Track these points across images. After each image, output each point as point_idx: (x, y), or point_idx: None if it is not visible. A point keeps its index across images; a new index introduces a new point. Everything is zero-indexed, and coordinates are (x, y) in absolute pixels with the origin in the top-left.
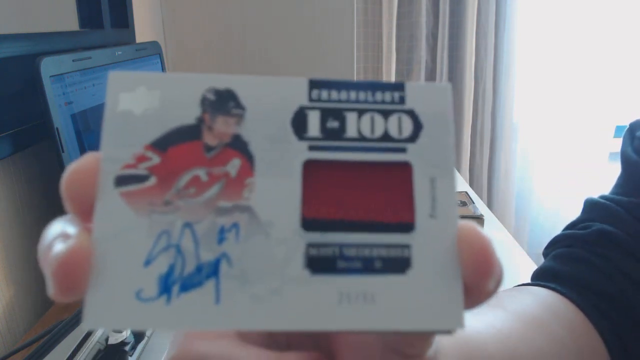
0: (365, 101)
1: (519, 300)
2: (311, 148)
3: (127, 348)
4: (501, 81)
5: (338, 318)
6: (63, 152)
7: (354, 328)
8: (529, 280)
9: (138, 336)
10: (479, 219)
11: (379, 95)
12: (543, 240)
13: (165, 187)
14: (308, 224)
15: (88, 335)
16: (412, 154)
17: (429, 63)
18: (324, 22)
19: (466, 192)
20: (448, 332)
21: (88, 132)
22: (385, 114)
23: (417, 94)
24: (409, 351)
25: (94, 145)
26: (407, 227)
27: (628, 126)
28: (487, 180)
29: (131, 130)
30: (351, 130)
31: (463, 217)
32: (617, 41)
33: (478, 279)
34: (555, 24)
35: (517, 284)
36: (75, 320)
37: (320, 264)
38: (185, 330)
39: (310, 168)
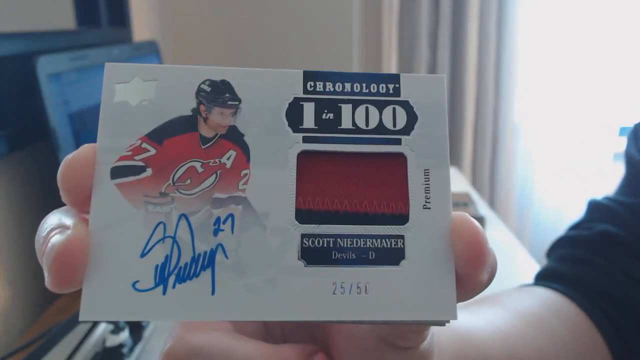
0: (360, 93)
1: (520, 299)
2: (306, 139)
3: (124, 350)
4: (503, 81)
5: (332, 308)
6: (60, 152)
7: (348, 318)
8: (531, 281)
9: (135, 339)
10: (481, 220)
11: (374, 87)
12: (546, 241)
13: (161, 178)
14: (302, 215)
15: (85, 337)
16: (407, 146)
17: (430, 61)
18: (324, 21)
19: (468, 193)
20: (441, 323)
21: (85, 132)
22: (380, 105)
23: (412, 86)
24: (402, 344)
25: None
26: (401, 218)
27: (633, 127)
28: (489, 180)
29: (127, 122)
30: (346, 122)
31: None
32: (621, 41)
33: (471, 270)
34: (558, 23)
35: (519, 285)
36: (72, 322)
37: (314, 255)
38: (181, 321)
39: (305, 159)
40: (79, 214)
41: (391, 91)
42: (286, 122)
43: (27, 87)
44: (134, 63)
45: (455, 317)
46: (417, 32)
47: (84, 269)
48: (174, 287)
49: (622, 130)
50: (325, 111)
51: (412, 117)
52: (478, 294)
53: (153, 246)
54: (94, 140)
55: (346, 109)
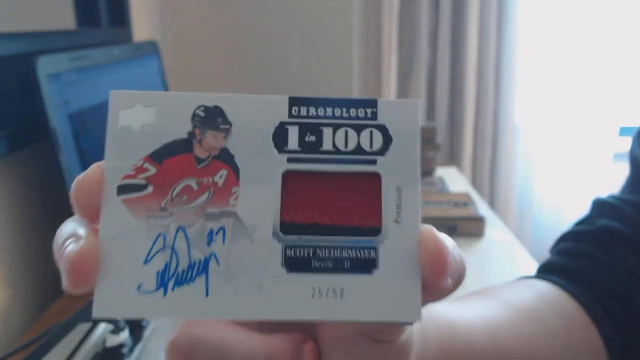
0: (341, 117)
1: (515, 292)
2: (290, 160)
3: (124, 350)
4: (503, 81)
5: (311, 309)
6: (60, 152)
7: (325, 318)
8: (532, 274)
9: (135, 339)
10: (480, 220)
11: (353, 112)
12: (546, 241)
13: (161, 195)
14: (286, 228)
15: (85, 337)
16: (382, 166)
17: (430, 61)
18: (324, 21)
19: (467, 193)
20: (407, 323)
21: (85, 132)
22: (358, 128)
23: (388, 110)
24: (381, 337)
25: (92, 145)
26: (374, 231)
27: (638, 127)
28: (489, 180)
29: (130, 144)
30: (327, 144)
31: (465, 218)
32: (621, 41)
33: (434, 278)
34: (558, 23)
35: (519, 277)
36: (72, 322)
37: (296, 263)
38: (179, 319)
39: (289, 178)
40: (90, 225)
41: (369, 115)
42: (272, 144)
43: (27, 87)
44: (136, 90)
45: (420, 319)
46: (417, 32)
47: (96, 273)
48: (173, 289)
49: (622, 130)
50: (308, 134)
51: (387, 139)
52: (444, 297)
53: (154, 255)
54: (94, 140)
55: (327, 132)
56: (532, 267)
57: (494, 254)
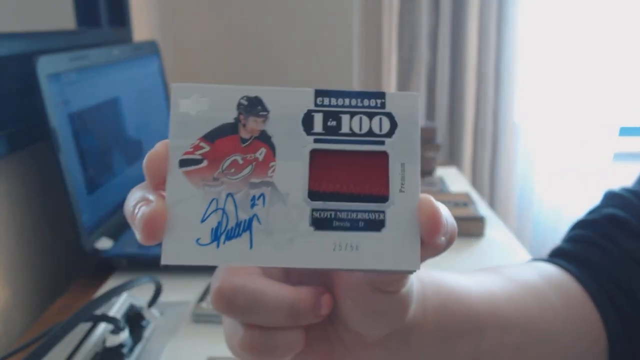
0: (356, 106)
1: (518, 269)
2: (316, 140)
3: (124, 350)
4: (503, 80)
5: (333, 260)
6: (60, 152)
7: (343, 267)
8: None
9: (135, 339)
10: (480, 219)
11: (365, 102)
12: (545, 241)
13: (214, 167)
14: (313, 195)
15: (85, 337)
16: (389, 146)
17: (430, 62)
18: (324, 21)
19: (467, 193)
20: (409, 271)
21: (85, 132)
22: (370, 115)
23: (394, 101)
24: (386, 288)
25: (91, 145)
26: (383, 198)
27: None
28: (489, 180)
29: (189, 127)
30: (345, 128)
31: (465, 218)
32: (620, 41)
33: (431, 236)
34: (558, 23)
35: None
36: (72, 322)
37: (321, 222)
38: (224, 268)
39: (315, 155)
40: (157, 191)
41: (378, 105)
42: (302, 128)
43: (27, 87)
44: (193, 83)
45: (419, 268)
46: (417, 32)
47: (163, 229)
48: (224, 242)
49: (622, 131)
50: (330, 119)
51: (393, 125)
52: (439, 253)
53: (209, 215)
54: (93, 140)
55: (345, 118)
56: None
57: (493, 254)
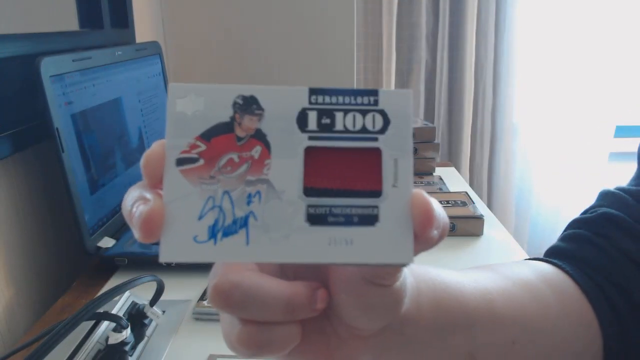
0: (349, 103)
1: (512, 266)
2: (310, 138)
3: (127, 348)
4: (501, 81)
5: (328, 254)
6: (63, 152)
7: (339, 261)
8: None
9: (138, 337)
10: (479, 219)
11: (359, 99)
12: (543, 240)
13: (210, 166)
14: (308, 191)
15: (88, 335)
16: (382, 142)
17: (429, 63)
18: (324, 22)
19: (466, 192)
20: (403, 264)
21: (88, 132)
22: (363, 112)
23: (387, 98)
24: (379, 282)
25: (94, 145)
26: (376, 193)
27: None
28: (487, 180)
29: (185, 126)
30: (339, 125)
31: (464, 217)
32: (617, 41)
33: (423, 229)
34: (556, 24)
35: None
36: (75, 320)
37: (316, 218)
38: (222, 264)
39: (309, 152)
40: (155, 190)
41: (371, 102)
42: (296, 125)
43: (30, 87)
44: (189, 83)
45: (412, 261)
46: (416, 34)
47: (161, 227)
48: (221, 239)
49: (618, 131)
50: (324, 117)
51: (386, 121)
52: (432, 246)
53: (206, 212)
54: (96, 140)
55: (339, 116)
56: None
57: (492, 253)
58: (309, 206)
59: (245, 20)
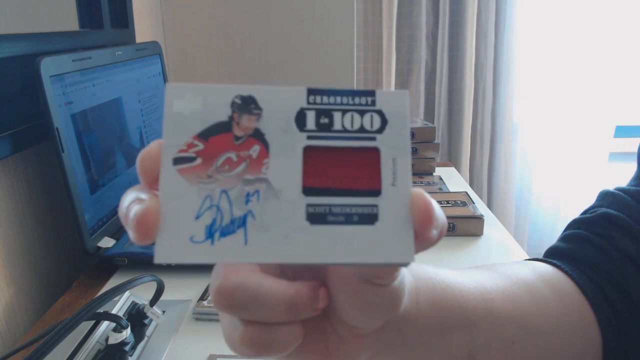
0: (347, 104)
1: (511, 266)
2: (309, 137)
3: (127, 348)
4: (501, 81)
5: (328, 254)
6: (63, 152)
7: (338, 261)
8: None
9: (138, 337)
10: (479, 219)
11: (357, 99)
12: (543, 240)
13: (208, 165)
14: (307, 190)
15: (88, 335)
16: (380, 142)
17: (429, 63)
18: (324, 22)
19: (466, 192)
20: (403, 264)
21: (88, 132)
22: (361, 112)
23: (384, 98)
24: (378, 281)
25: (94, 145)
26: (375, 192)
27: None
28: (487, 180)
29: (183, 126)
30: (337, 125)
31: (464, 217)
32: (617, 41)
33: (423, 228)
34: (555, 24)
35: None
36: (75, 320)
37: (316, 217)
38: (223, 265)
39: (308, 151)
40: (151, 190)
41: (369, 102)
42: (295, 125)
43: (30, 87)
44: (187, 83)
45: (413, 260)
46: (416, 34)
47: (157, 228)
48: (219, 239)
49: (618, 131)
50: (323, 117)
51: (384, 121)
52: (431, 245)
53: (204, 212)
54: (96, 140)
55: (337, 115)
56: None
57: (491, 253)
58: (309, 205)
59: (245, 20)
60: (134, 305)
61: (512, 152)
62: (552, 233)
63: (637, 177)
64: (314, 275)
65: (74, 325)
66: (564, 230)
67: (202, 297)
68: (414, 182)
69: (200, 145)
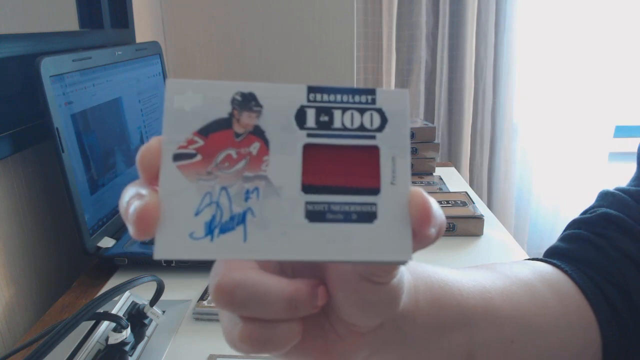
0: (347, 102)
1: (510, 266)
2: (309, 135)
3: (127, 348)
4: (501, 81)
5: (326, 251)
6: (63, 152)
7: (337, 258)
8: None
9: (138, 337)
10: (479, 219)
11: (357, 98)
12: (543, 240)
13: (208, 161)
14: (306, 188)
15: (88, 335)
16: (380, 140)
17: (429, 63)
18: (324, 22)
19: (466, 192)
20: (401, 262)
21: (88, 132)
22: (361, 111)
23: (384, 97)
24: (376, 279)
25: (94, 145)
26: (374, 190)
27: None
28: (487, 180)
29: (183, 122)
30: (337, 123)
31: (464, 217)
32: (616, 41)
33: (421, 227)
34: (555, 24)
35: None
36: (75, 320)
37: (314, 215)
38: (222, 263)
39: (308, 149)
40: (151, 186)
41: (369, 101)
42: (295, 123)
43: (30, 87)
44: (187, 79)
45: (411, 259)
46: (416, 34)
47: (156, 224)
48: (218, 236)
49: (618, 131)
50: (323, 115)
51: (384, 120)
52: (430, 244)
53: (203, 209)
54: (96, 140)
55: (337, 114)
56: None
57: (491, 253)
58: (308, 203)
59: (245, 20)
60: (134, 305)
61: (512, 152)
62: (552, 233)
63: (637, 177)
64: (313, 273)
65: (74, 325)
66: (564, 230)
67: (202, 297)
68: (414, 182)
69: (200, 142)
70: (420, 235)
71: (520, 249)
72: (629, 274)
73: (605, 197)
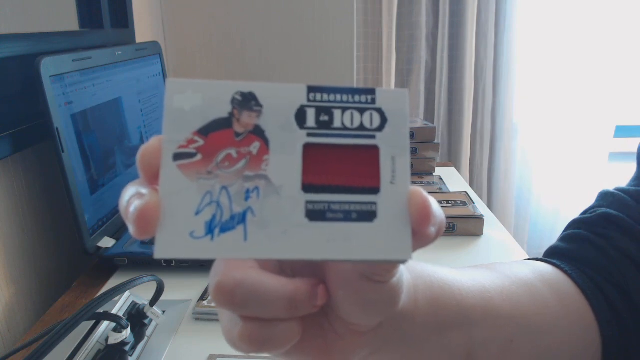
0: (347, 102)
1: (510, 266)
2: (309, 135)
3: (127, 348)
4: (501, 81)
5: (326, 251)
6: (63, 152)
7: (337, 257)
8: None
9: (138, 337)
10: (479, 219)
11: (357, 97)
12: (543, 240)
13: (208, 161)
14: (307, 187)
15: (88, 335)
16: (379, 140)
17: (429, 63)
18: (324, 22)
19: (466, 192)
20: (401, 261)
21: (88, 132)
22: (361, 110)
23: (384, 97)
24: (376, 278)
25: (94, 145)
26: (374, 190)
27: None
28: (487, 180)
29: (183, 121)
30: (337, 122)
31: (464, 217)
32: (617, 41)
33: (421, 226)
34: (555, 24)
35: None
36: (75, 320)
37: (315, 214)
38: (223, 262)
39: (308, 149)
40: (151, 185)
41: (369, 100)
42: (295, 122)
43: (30, 87)
44: (188, 79)
45: (411, 258)
46: (416, 34)
47: (157, 223)
48: (218, 235)
49: (618, 131)
50: (323, 114)
51: (383, 120)
52: (429, 243)
53: (203, 208)
54: (96, 140)
55: (337, 113)
56: None
57: (491, 253)
58: (308, 202)
59: (245, 20)
60: (134, 305)
61: (512, 152)
62: (552, 233)
63: (637, 177)
64: (313, 272)
65: (74, 325)
66: (564, 230)
67: (202, 297)
68: (414, 182)
69: (201, 141)
70: (420, 234)
71: (520, 249)
72: (629, 274)
73: (605, 197)
